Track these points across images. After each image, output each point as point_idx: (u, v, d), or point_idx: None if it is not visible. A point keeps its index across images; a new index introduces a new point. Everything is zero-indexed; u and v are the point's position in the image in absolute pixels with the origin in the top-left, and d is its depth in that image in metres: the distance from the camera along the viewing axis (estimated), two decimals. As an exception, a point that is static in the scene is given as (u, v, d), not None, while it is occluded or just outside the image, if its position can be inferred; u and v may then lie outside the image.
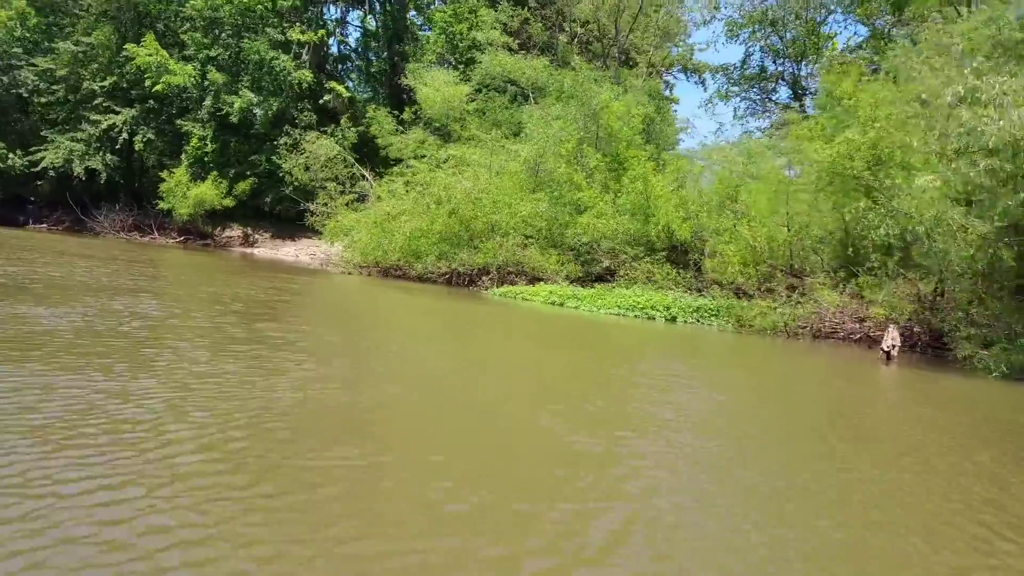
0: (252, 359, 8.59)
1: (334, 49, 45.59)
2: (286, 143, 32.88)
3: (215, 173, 41.13)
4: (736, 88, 33.76)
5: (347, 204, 29.34)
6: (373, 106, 46.87)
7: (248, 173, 41.64)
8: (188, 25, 44.07)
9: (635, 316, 15.88)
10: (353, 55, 44.65)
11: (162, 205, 40.43)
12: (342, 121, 33.60)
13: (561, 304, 17.23)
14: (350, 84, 43.05)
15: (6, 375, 6.79)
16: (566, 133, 23.33)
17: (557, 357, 10.76)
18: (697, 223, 19.11)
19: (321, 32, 41.89)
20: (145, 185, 45.26)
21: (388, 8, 45.38)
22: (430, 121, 33.17)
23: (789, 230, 16.69)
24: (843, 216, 16.57)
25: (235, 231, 42.86)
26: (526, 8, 33.51)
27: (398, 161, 34.16)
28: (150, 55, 41.33)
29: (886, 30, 28.31)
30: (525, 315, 15.32)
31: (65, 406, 5.97)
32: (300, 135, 33.02)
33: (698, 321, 15.43)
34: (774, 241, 17.17)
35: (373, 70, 45.17)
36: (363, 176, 32.14)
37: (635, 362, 11.33)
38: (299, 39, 41.48)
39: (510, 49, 32.98)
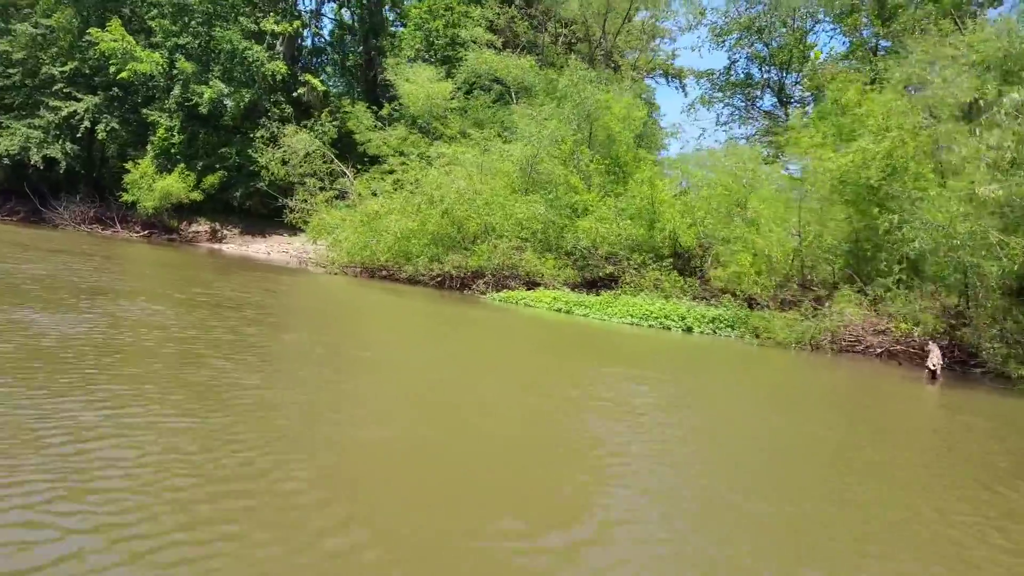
0: (322, 385, 7.73)
1: (308, 42, 44.34)
2: (263, 136, 31.71)
3: (182, 165, 39.58)
4: (720, 94, 33.65)
5: (327, 201, 28.32)
6: (348, 101, 45.91)
7: (217, 166, 40.16)
8: (156, 11, 42.34)
9: (648, 326, 15.35)
10: (328, 48, 43.45)
11: (126, 197, 38.71)
12: (322, 115, 32.57)
13: (568, 311, 16.63)
14: (324, 78, 41.80)
15: (49, 414, 5.42)
16: (560, 134, 22.79)
17: (589, 372, 10.09)
18: (702, 230, 18.70)
19: (296, 23, 40.67)
20: (107, 176, 43.38)
21: (364, 2, 44.29)
22: (412, 118, 32.33)
23: (801, 239, 16.40)
24: (854, 226, 16.38)
25: (202, 226, 41.33)
26: (512, 6, 32.91)
27: (376, 158, 33.24)
28: (115, 41, 39.57)
29: (873, 42, 28.43)
30: (534, 323, 14.64)
31: (163, 469, 4.68)
32: (278, 128, 31.86)
33: (714, 332, 15.00)
34: (784, 250, 16.86)
35: (348, 64, 44.03)
36: (343, 172, 31.11)
37: (679, 380, 10.81)
38: (273, 30, 40.19)
39: (494, 47, 32.34)
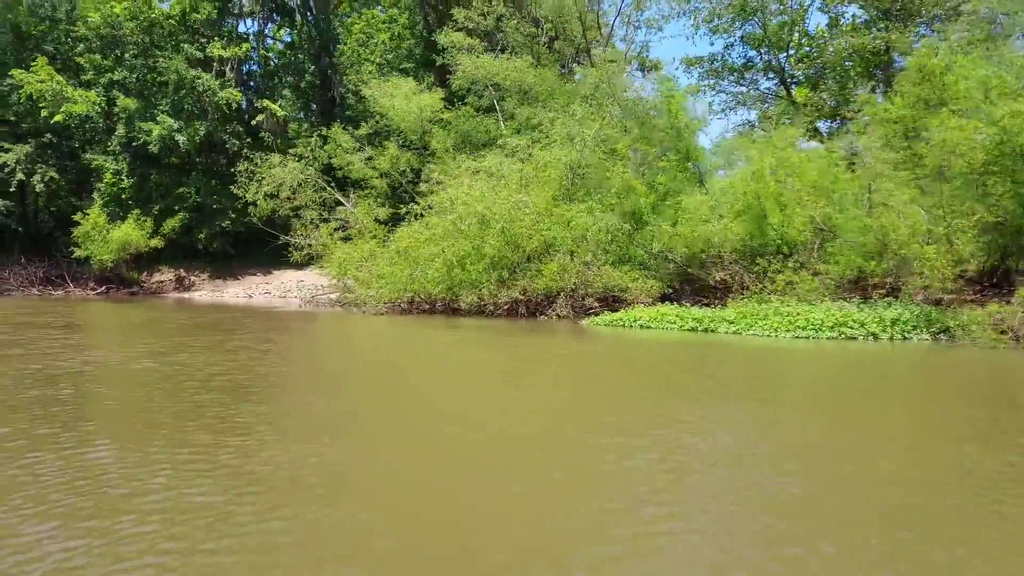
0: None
1: (256, 66, 41.29)
2: (247, 169, 28.88)
3: (137, 211, 36.08)
4: (711, 81, 32.59)
5: (331, 233, 25.70)
6: (306, 124, 43.10)
7: (176, 208, 36.83)
8: (82, 46, 38.67)
9: (828, 337, 13.43)
10: (280, 70, 40.51)
11: (79, 253, 34.93)
12: (312, 140, 29.85)
13: (710, 330, 14.55)
14: (282, 102, 38.87)
15: None
16: (604, 133, 20.97)
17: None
18: (813, 222, 16.80)
19: (246, 46, 37.68)
20: (49, 231, 39.25)
21: (310, 20, 41.58)
22: (401, 135, 29.93)
23: (947, 220, 14.91)
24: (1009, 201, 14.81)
25: (166, 274, 37.82)
26: (499, 3, 30.97)
27: (358, 182, 30.74)
28: (43, 82, 35.81)
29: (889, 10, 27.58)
30: (706, 353, 12.17)
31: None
32: (260, 159, 29.04)
33: (903, 337, 13.23)
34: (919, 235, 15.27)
35: (302, 85, 41.20)
36: (339, 201, 28.47)
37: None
38: (221, 55, 37.09)
39: (474, 51, 30.33)
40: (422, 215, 22.09)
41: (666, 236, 18.09)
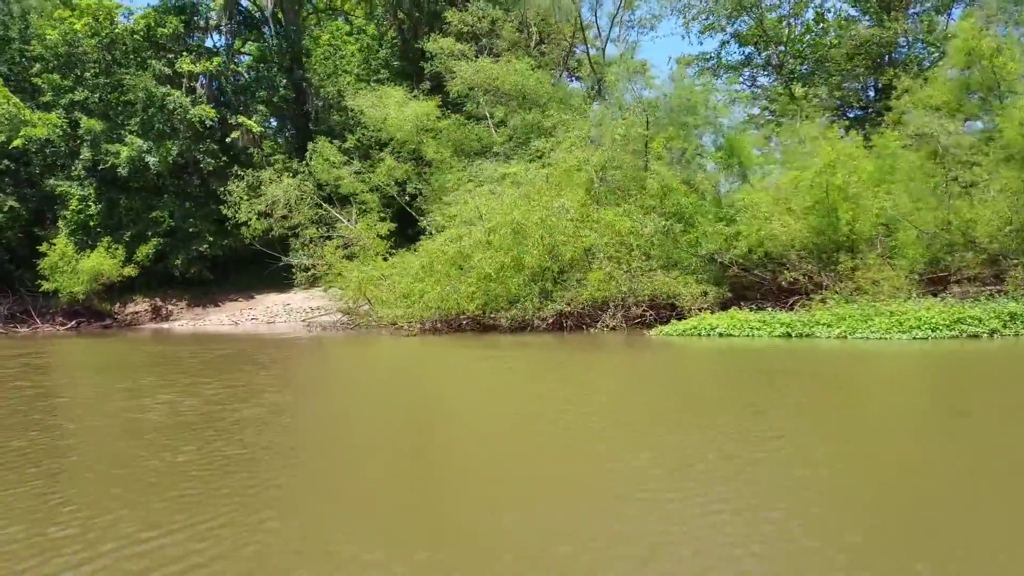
0: None
1: (226, 80, 39.34)
2: (240, 188, 27.04)
3: (108, 239, 33.82)
4: (704, 80, 31.86)
5: (334, 251, 24.01)
6: (281, 140, 41.45)
7: (149, 233, 34.67)
8: (39, 66, 36.35)
9: (948, 336, 12.39)
10: (253, 84, 38.62)
11: (47, 286, 32.55)
12: (308, 156, 28.12)
13: (805, 335, 13.43)
14: (257, 118, 37.08)
15: None
16: (634, 133, 19.80)
17: None
18: (881, 215, 15.79)
19: (217, 60, 35.78)
20: (8, 264, 36.61)
21: (280, 31, 39.91)
22: (394, 146, 28.38)
23: None
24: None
25: (141, 305, 35.53)
26: (487, 6, 29.82)
27: (347, 197, 29.15)
28: (-2, 105, 33.47)
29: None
30: (848, 364, 10.99)
31: None
32: (253, 177, 27.25)
33: (1015, 335, 12.27)
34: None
35: (275, 99, 39.39)
36: (336, 218, 26.80)
37: None
38: (191, 70, 35.16)
39: (465, 56, 29.12)
40: (443, 228, 20.66)
41: (722, 237, 16.98)
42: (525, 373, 12.03)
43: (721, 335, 14.53)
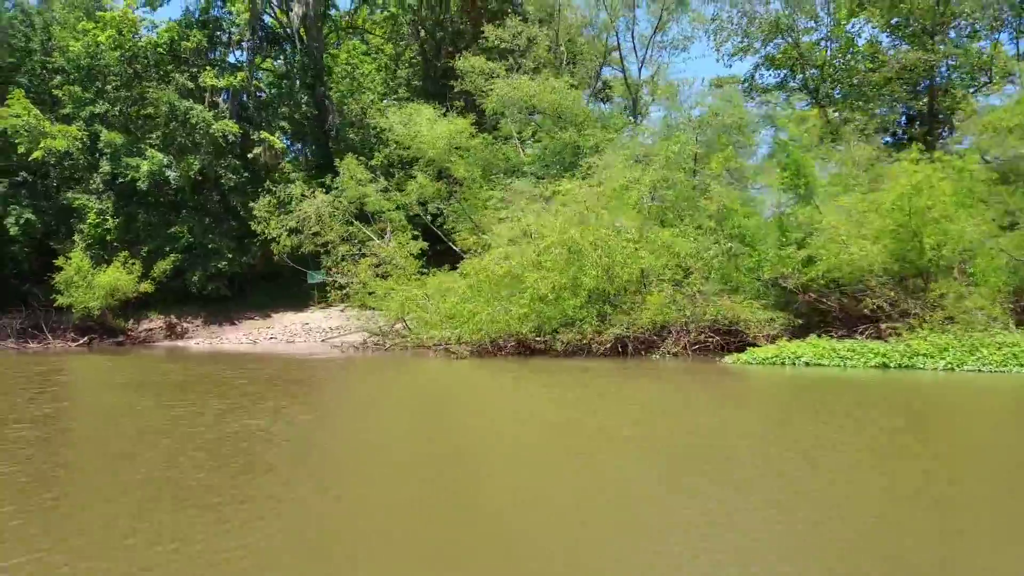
0: None
1: (247, 97, 38.90)
2: (269, 202, 26.36)
3: (125, 253, 33.11)
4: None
5: (368, 269, 23.27)
6: (302, 158, 40.95)
7: (167, 249, 33.99)
8: (60, 78, 35.90)
9: None
10: (275, 101, 38.14)
11: (61, 300, 31.76)
12: (340, 172, 27.43)
13: (904, 366, 12.63)
14: (279, 135, 36.60)
15: None
16: (688, 151, 19.20)
17: None
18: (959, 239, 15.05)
19: (241, 75, 35.35)
20: (20, 278, 35.86)
21: (303, 48, 39.55)
22: (421, 166, 27.73)
23: None
24: None
25: (155, 322, 34.72)
26: (523, 24, 29.41)
27: (370, 216, 28.53)
28: (18, 116, 32.92)
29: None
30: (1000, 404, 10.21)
31: None
32: (284, 193, 26.60)
33: None
34: None
35: (297, 116, 38.91)
36: (371, 236, 26.06)
37: None
38: (215, 84, 34.72)
39: (495, 75, 28.67)
40: (478, 248, 19.94)
41: (794, 261, 16.22)
42: (616, 406, 10.97)
43: (808, 364, 13.73)
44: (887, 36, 31.35)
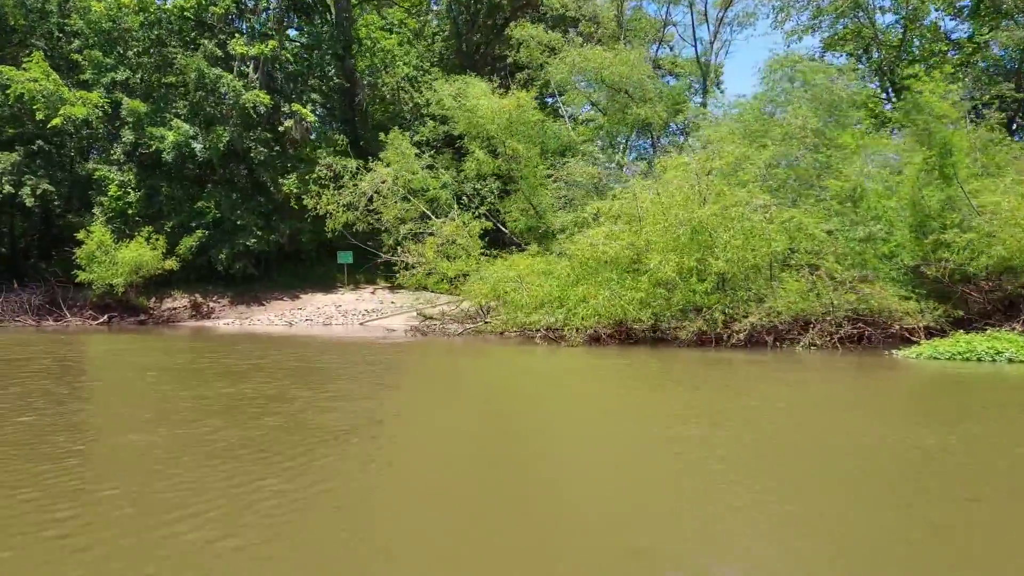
0: None
1: (278, 66, 36.97)
2: (322, 175, 24.64)
3: (149, 228, 31.22)
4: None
5: (435, 249, 21.71)
6: (332, 130, 39.11)
7: (193, 224, 32.17)
8: (78, 41, 33.82)
9: None
10: (305, 72, 36.22)
11: (83, 276, 29.87)
12: (388, 146, 25.72)
13: None
14: (311, 107, 34.78)
15: None
16: (812, 124, 17.73)
17: None
18: None
19: (272, 43, 33.36)
20: (35, 252, 33.92)
21: (330, 19, 37.69)
22: (482, 141, 26.09)
23: None
24: None
25: (179, 300, 32.88)
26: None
27: (414, 192, 26.84)
28: (35, 81, 30.81)
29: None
30: None
31: None
32: (340, 165, 24.90)
33: None
34: None
35: (326, 88, 37.08)
36: (429, 214, 24.41)
37: None
38: (245, 52, 32.77)
39: (552, 49, 27.11)
40: (583, 225, 18.45)
41: (963, 242, 14.71)
42: (861, 418, 8.68)
43: (1010, 360, 12.28)
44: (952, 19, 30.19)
